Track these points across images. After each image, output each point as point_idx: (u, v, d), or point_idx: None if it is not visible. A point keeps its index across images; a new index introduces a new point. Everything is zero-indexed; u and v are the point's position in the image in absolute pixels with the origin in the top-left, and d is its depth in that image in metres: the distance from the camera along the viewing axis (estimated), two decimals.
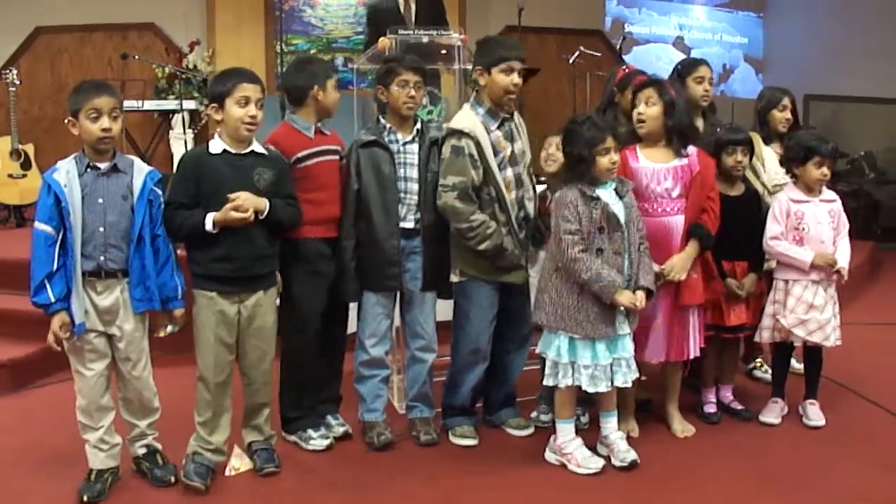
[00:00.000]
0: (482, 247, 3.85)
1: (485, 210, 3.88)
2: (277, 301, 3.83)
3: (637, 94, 4.01)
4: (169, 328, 3.63)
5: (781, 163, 4.42)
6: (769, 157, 4.57)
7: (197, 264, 3.61)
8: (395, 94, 3.93)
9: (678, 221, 3.96)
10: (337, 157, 4.01)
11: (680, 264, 3.91)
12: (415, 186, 3.97)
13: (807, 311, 4.08)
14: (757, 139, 4.49)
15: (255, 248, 3.61)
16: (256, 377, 3.77)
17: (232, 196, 3.51)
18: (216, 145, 3.62)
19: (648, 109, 3.96)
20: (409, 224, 3.97)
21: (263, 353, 3.76)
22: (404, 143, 3.98)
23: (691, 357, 4.11)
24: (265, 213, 3.58)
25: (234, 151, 3.61)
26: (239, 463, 3.77)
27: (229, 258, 3.57)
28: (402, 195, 3.96)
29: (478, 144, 3.86)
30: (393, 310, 4.07)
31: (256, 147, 3.67)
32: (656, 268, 3.83)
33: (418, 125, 4.03)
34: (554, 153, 4.21)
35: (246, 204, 3.51)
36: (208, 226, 3.51)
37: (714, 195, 4.02)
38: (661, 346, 4.01)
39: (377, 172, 3.92)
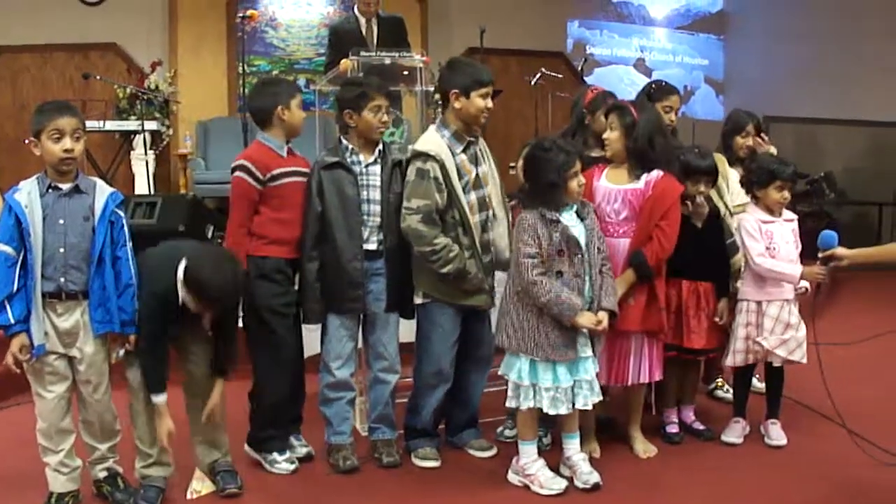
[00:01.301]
0: (444, 270, 3.86)
1: (448, 233, 3.89)
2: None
3: (606, 117, 4.05)
4: (121, 352, 3.57)
5: (742, 184, 4.46)
6: (733, 179, 4.62)
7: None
8: (368, 119, 3.91)
9: (621, 244, 3.97)
10: (304, 178, 3.99)
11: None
12: (377, 208, 3.96)
13: (784, 331, 4.12)
14: (721, 159, 4.53)
15: None
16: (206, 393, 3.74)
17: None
18: (181, 294, 3.51)
19: (611, 133, 3.99)
20: (372, 246, 3.96)
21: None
22: (367, 165, 3.97)
23: (638, 381, 4.08)
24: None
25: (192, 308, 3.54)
26: (200, 486, 3.74)
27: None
28: (364, 217, 3.95)
29: (443, 167, 3.87)
30: (357, 331, 4.06)
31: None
32: None
33: (380, 146, 4.03)
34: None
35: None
36: (156, 400, 3.56)
37: (664, 224, 3.94)
38: (602, 370, 3.96)
39: (340, 194, 3.91)
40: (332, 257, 3.91)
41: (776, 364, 4.21)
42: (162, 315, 3.51)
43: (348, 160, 3.95)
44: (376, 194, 3.97)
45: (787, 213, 4.24)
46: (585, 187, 3.84)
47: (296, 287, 3.99)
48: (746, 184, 4.32)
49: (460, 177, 3.94)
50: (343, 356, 4.00)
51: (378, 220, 3.96)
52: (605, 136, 4.02)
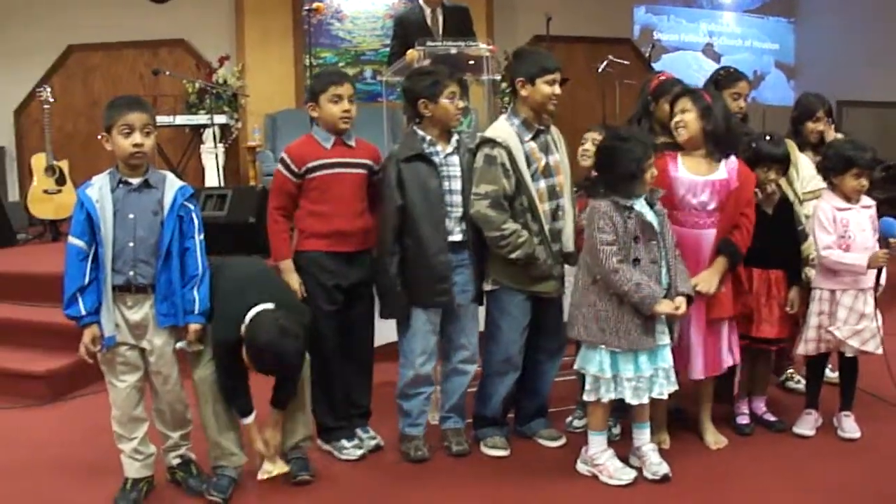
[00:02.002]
0: (513, 255, 3.85)
1: (517, 219, 3.87)
2: None
3: (673, 105, 4.00)
4: (179, 344, 3.58)
5: (818, 170, 4.35)
6: (804, 165, 4.53)
7: None
8: (445, 107, 3.90)
9: (709, 235, 3.93)
10: (361, 170, 3.98)
11: (708, 278, 3.87)
12: (458, 199, 3.94)
13: (859, 321, 4.03)
14: (792, 146, 4.42)
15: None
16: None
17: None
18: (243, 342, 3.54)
19: (685, 116, 3.92)
20: (457, 237, 3.94)
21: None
22: (446, 156, 3.96)
23: (726, 368, 4.07)
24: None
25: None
26: (272, 467, 3.76)
27: None
28: (448, 208, 3.94)
29: (510, 154, 3.86)
30: (438, 325, 4.03)
31: None
32: None
33: (456, 136, 4.02)
34: (589, 148, 4.19)
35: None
36: (245, 423, 3.69)
37: (749, 211, 3.96)
38: (699, 362, 3.97)
39: (423, 187, 3.88)
40: (417, 251, 3.88)
41: (849, 354, 4.12)
42: (233, 357, 3.55)
43: (427, 151, 3.94)
44: (457, 184, 3.95)
45: (866, 199, 4.13)
46: (661, 176, 3.81)
47: (347, 280, 3.96)
48: (822, 170, 4.22)
49: (529, 164, 3.91)
50: (428, 351, 3.99)
51: (460, 210, 3.94)
52: (678, 119, 3.93)
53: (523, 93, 3.94)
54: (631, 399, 3.67)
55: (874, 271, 4.00)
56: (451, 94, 3.90)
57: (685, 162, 3.95)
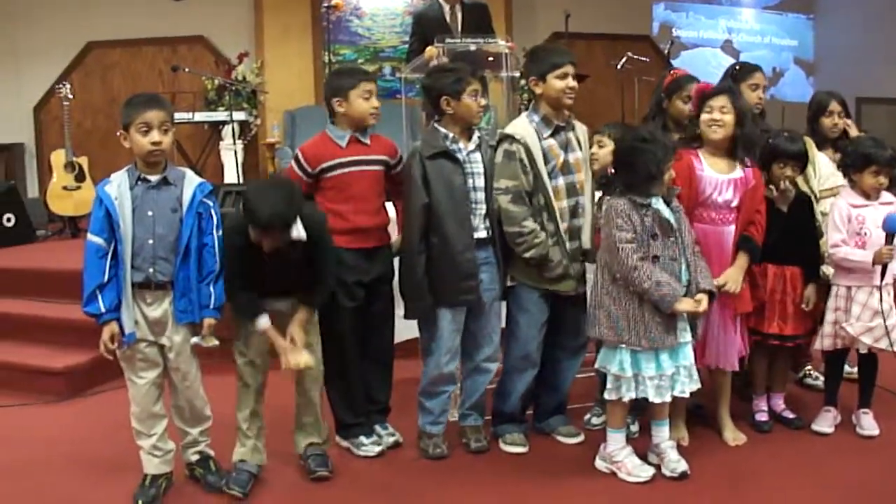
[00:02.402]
0: (528, 254, 3.86)
1: (534, 218, 3.88)
2: None
3: (707, 102, 3.95)
4: (194, 339, 3.57)
5: (838, 167, 4.34)
6: (822, 163, 4.51)
7: None
8: (468, 104, 3.88)
9: (731, 232, 3.96)
10: (379, 166, 3.99)
11: (735, 277, 3.91)
12: (482, 196, 3.93)
13: (872, 318, 4.01)
14: (810, 143, 4.42)
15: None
16: (306, 376, 3.78)
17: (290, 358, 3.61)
18: (250, 234, 3.54)
19: (724, 116, 3.91)
20: (481, 234, 3.93)
21: (313, 352, 3.76)
22: (468, 153, 3.94)
23: (739, 360, 4.10)
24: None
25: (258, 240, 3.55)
26: (298, 357, 3.61)
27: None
28: (472, 205, 3.93)
29: (528, 150, 3.86)
30: (462, 323, 4.01)
31: (298, 231, 3.54)
32: None
33: (477, 133, 4.01)
34: (596, 152, 4.18)
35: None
36: (258, 327, 3.62)
37: (762, 208, 4.00)
38: (721, 352, 4.01)
39: (448, 185, 3.86)
40: (443, 249, 3.85)
41: (862, 351, 4.11)
42: (237, 252, 3.55)
43: (451, 148, 3.92)
44: (480, 181, 3.94)
45: (886, 196, 4.12)
46: (688, 174, 3.85)
47: (368, 276, 3.96)
48: (842, 167, 4.21)
49: (547, 161, 3.91)
50: (452, 350, 3.98)
51: (484, 207, 3.93)
52: (716, 117, 3.90)
53: (538, 91, 3.95)
54: (654, 397, 3.66)
55: (879, 267, 3.98)
56: (473, 92, 3.89)
57: (707, 160, 3.95)
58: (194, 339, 3.57)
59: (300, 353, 3.62)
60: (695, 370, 3.75)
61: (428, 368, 4.02)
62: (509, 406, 4.14)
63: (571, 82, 3.92)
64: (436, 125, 3.98)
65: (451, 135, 3.92)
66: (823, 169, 4.49)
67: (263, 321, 3.60)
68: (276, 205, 3.42)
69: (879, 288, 3.99)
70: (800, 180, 4.29)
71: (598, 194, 4.12)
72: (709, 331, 3.97)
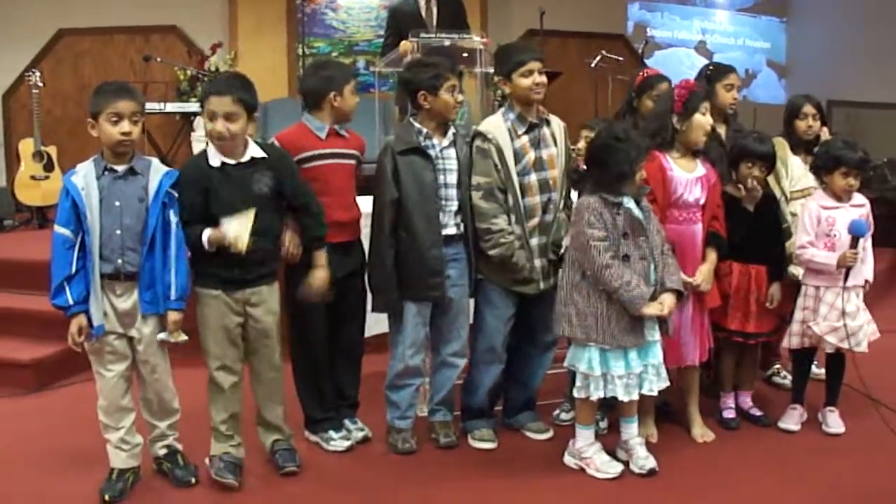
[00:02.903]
0: (492, 252, 3.87)
1: (507, 217, 3.89)
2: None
3: (700, 106, 3.96)
4: (160, 335, 3.53)
5: (810, 169, 4.36)
6: (794, 164, 4.55)
7: (199, 263, 3.59)
8: (445, 100, 3.89)
9: (699, 230, 4.00)
10: (352, 161, 3.99)
11: (707, 275, 3.98)
12: (454, 192, 3.94)
13: (839, 318, 4.04)
14: (782, 144, 4.48)
15: (258, 251, 3.56)
16: (266, 374, 3.75)
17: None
18: (214, 157, 3.56)
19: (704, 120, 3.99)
20: (451, 231, 3.94)
21: (272, 349, 3.73)
22: (442, 149, 3.94)
23: (705, 357, 4.14)
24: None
25: (233, 162, 3.55)
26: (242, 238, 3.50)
27: (229, 263, 3.54)
28: (442, 202, 3.92)
29: (499, 151, 3.87)
30: (428, 317, 4.02)
31: (254, 151, 3.60)
32: (685, 278, 3.84)
33: (452, 129, 4.01)
34: (582, 146, 4.20)
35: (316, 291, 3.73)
36: (205, 243, 3.51)
37: (720, 202, 4.08)
38: (692, 349, 4.05)
39: (418, 180, 3.86)
40: (411, 245, 3.87)
41: (828, 350, 4.15)
42: (189, 186, 3.53)
43: (423, 144, 3.92)
44: (453, 178, 3.94)
45: (858, 198, 4.16)
46: (660, 175, 3.90)
47: (341, 271, 3.93)
48: (814, 169, 4.24)
49: (519, 160, 3.91)
50: (417, 343, 3.99)
51: (455, 204, 3.94)
52: (702, 122, 3.95)
53: (507, 90, 3.97)
54: (623, 396, 3.67)
55: (844, 270, 4.01)
56: (451, 87, 3.89)
57: (674, 161, 3.99)
58: (161, 336, 3.53)
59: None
60: (663, 368, 3.77)
61: (394, 361, 4.03)
62: (476, 400, 4.15)
63: (538, 78, 3.91)
64: (411, 120, 3.98)
65: (425, 130, 3.92)
66: (795, 170, 4.54)
67: (205, 234, 3.50)
68: (231, 76, 3.42)
69: (843, 290, 4.03)
70: (770, 180, 4.34)
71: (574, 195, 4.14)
72: (681, 328, 3.99)
